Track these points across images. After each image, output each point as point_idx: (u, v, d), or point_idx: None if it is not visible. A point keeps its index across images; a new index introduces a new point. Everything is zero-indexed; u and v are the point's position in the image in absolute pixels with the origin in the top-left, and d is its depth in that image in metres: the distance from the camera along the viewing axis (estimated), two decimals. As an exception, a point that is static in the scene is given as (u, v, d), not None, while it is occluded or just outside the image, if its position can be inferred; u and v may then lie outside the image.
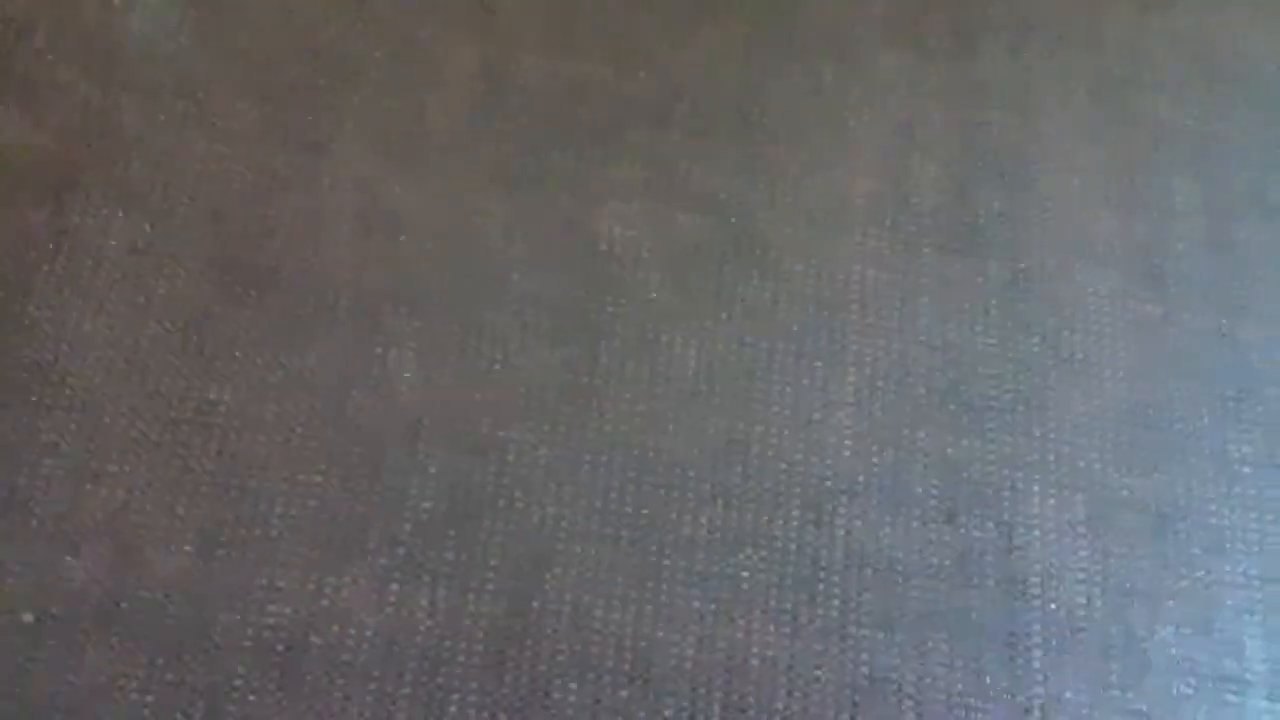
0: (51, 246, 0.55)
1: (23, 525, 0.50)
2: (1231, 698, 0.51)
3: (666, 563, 0.52)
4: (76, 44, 0.58)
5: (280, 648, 0.49)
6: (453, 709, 0.49)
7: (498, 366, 0.54)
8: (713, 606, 0.51)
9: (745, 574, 0.52)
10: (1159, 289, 0.59)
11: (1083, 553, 0.53)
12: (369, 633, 0.50)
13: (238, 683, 0.48)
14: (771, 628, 0.51)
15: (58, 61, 0.58)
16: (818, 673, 0.51)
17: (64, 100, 0.57)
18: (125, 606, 0.49)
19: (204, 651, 0.49)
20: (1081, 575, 0.53)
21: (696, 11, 0.63)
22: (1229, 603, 0.53)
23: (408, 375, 0.53)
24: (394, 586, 0.51)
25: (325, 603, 0.50)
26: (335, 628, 0.50)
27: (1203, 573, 0.53)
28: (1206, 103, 0.63)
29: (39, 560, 0.49)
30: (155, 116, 0.57)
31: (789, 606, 0.52)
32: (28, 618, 0.48)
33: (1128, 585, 0.53)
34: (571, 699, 0.49)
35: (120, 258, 0.55)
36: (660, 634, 0.51)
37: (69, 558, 0.49)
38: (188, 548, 0.50)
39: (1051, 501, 0.54)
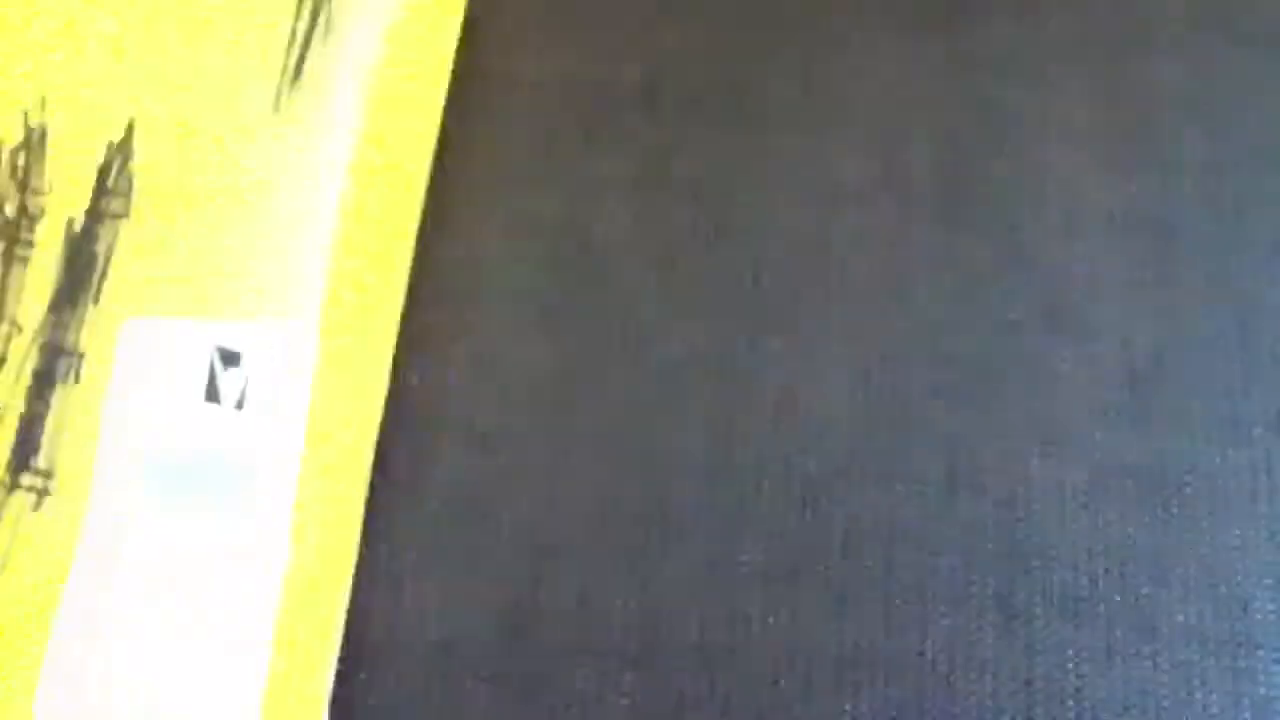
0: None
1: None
2: (1241, 662, 0.50)
3: (660, 548, 0.53)
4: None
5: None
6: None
7: (490, 363, 0.56)
8: (715, 592, 0.52)
9: (744, 558, 0.53)
10: (1162, 250, 0.57)
11: (1084, 521, 0.53)
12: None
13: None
14: (771, 607, 0.52)
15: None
16: (817, 649, 0.51)
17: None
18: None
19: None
20: (1084, 543, 0.53)
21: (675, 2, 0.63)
22: (1236, 566, 0.52)
23: (415, 381, 0.56)
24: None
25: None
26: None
27: (1209, 537, 0.52)
28: (1214, 58, 0.61)
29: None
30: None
31: (789, 588, 0.52)
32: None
33: (1131, 552, 0.52)
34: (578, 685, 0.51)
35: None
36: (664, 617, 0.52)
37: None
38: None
39: (1052, 471, 0.54)
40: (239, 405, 0.48)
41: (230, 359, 0.48)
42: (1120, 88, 0.61)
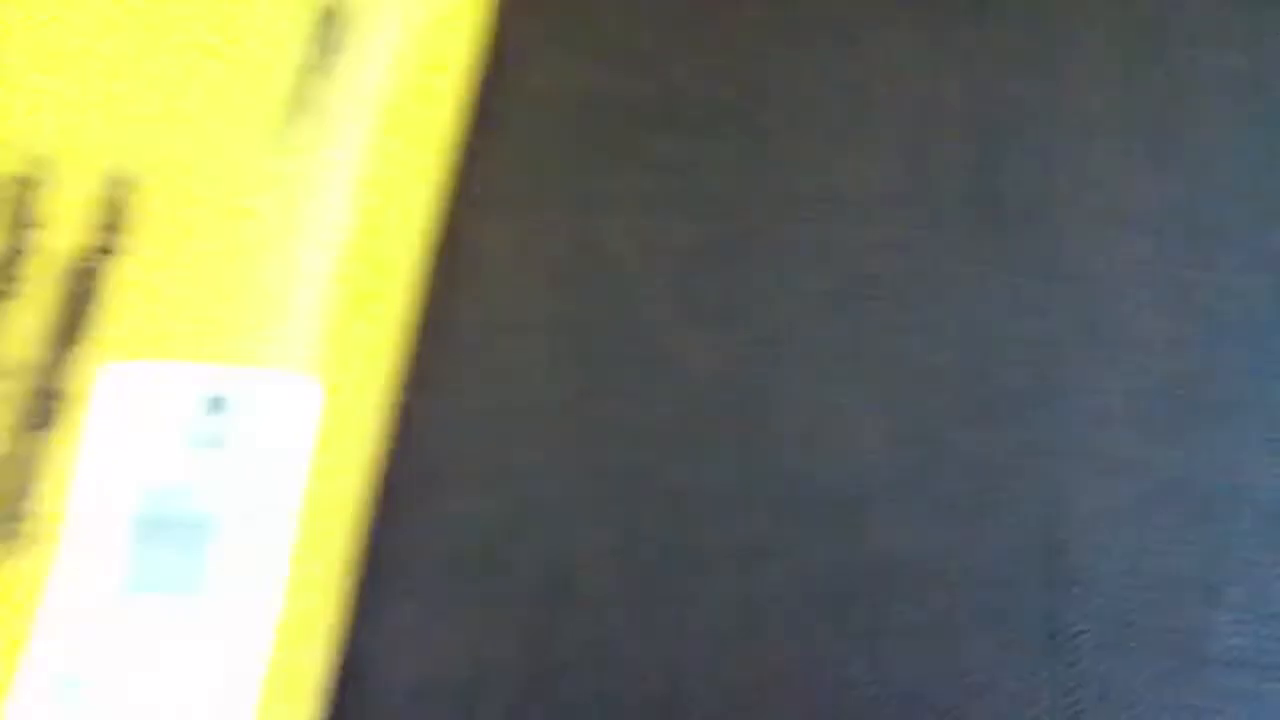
0: None
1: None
2: (1298, 687, 0.48)
3: (684, 584, 0.51)
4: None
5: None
6: None
7: (504, 396, 0.54)
8: (743, 630, 0.50)
9: (774, 592, 0.50)
10: (1200, 252, 0.55)
11: (1129, 541, 0.50)
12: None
13: None
14: (803, 642, 0.50)
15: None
16: (850, 684, 0.49)
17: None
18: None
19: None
20: (1128, 565, 0.50)
21: (693, 14, 0.61)
22: (1291, 585, 0.49)
23: (425, 418, 0.54)
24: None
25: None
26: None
27: (1260, 555, 0.50)
28: (1245, 41, 0.58)
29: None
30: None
31: (813, 619, 0.50)
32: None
33: (1179, 573, 0.50)
34: None
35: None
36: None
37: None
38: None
39: (1094, 491, 0.51)
40: (224, 450, 0.46)
41: (217, 405, 0.46)
42: (1148, 77, 0.58)
